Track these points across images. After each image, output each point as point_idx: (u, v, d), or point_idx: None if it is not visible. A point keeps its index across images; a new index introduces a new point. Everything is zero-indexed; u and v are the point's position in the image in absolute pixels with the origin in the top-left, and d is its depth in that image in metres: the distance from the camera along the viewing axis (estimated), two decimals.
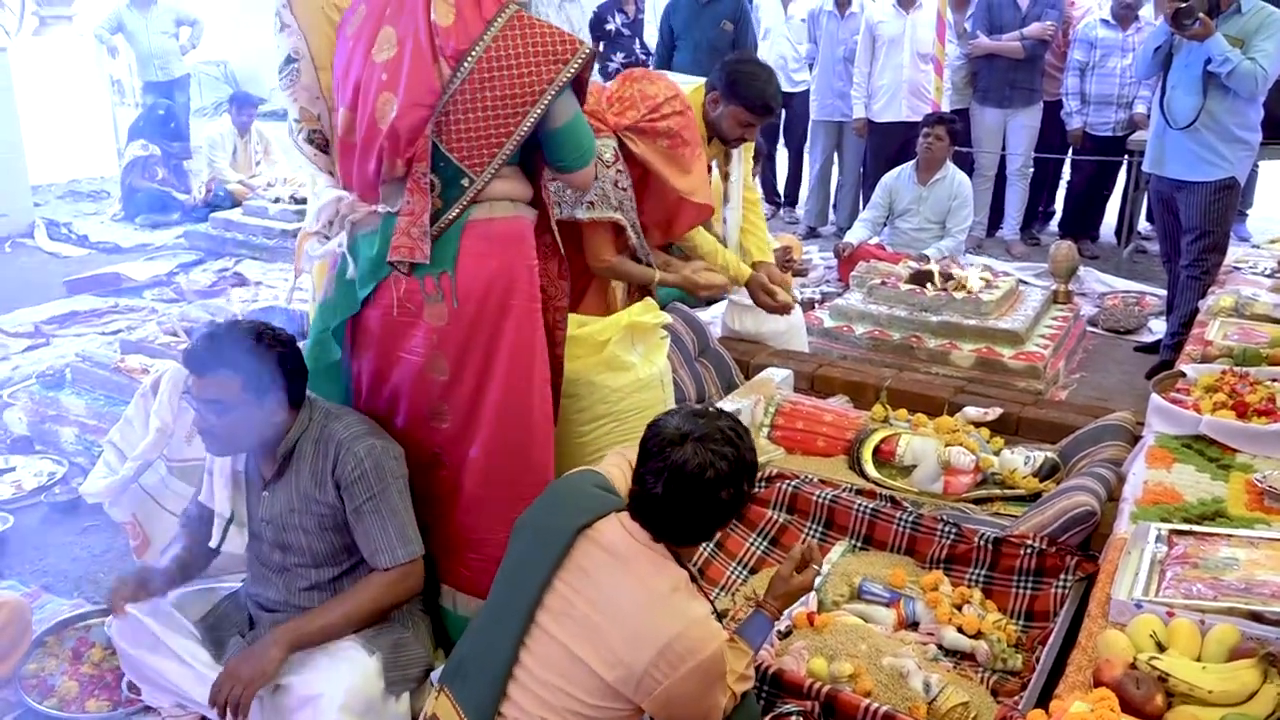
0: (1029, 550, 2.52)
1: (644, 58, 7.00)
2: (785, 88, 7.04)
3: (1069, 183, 6.88)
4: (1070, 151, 6.58)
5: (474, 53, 2.09)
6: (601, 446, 2.69)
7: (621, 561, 1.80)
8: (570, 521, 1.85)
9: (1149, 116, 5.85)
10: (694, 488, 1.75)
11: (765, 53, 6.93)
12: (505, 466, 2.29)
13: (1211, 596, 1.86)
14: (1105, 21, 6.13)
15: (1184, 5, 3.90)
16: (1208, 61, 3.95)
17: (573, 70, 2.13)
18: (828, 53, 6.69)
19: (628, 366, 2.71)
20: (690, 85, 3.45)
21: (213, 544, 2.20)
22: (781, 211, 7.67)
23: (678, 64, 6.24)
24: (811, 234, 7.06)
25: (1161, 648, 1.73)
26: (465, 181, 2.15)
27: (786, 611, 2.17)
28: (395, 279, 2.20)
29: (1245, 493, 2.36)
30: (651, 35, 7.10)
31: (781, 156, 8.04)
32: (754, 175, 5.57)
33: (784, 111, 7.26)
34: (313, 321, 2.42)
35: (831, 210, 7.19)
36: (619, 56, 6.73)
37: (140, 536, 2.74)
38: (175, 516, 2.54)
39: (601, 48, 6.69)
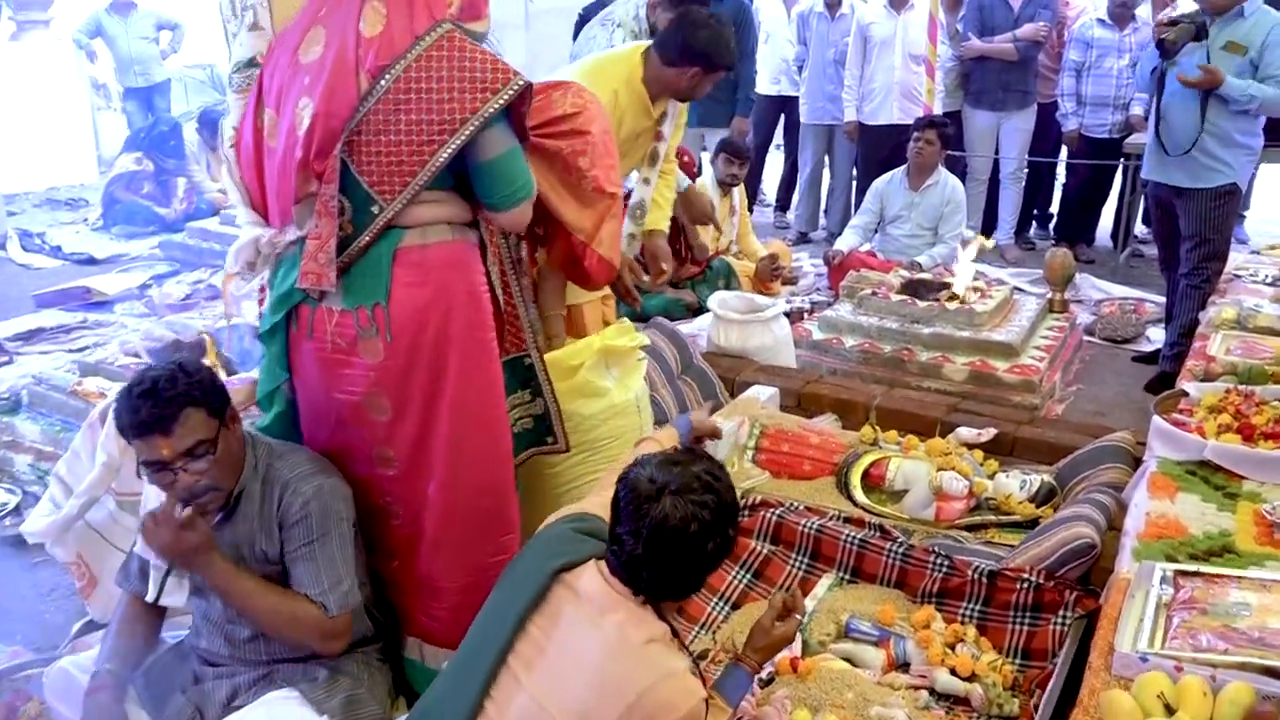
0: (1025, 585, 2.39)
1: None
2: (789, 91, 6.93)
3: (1064, 186, 6.74)
4: (1065, 154, 6.44)
5: (393, 70, 1.93)
6: (574, 478, 2.56)
7: (597, 610, 1.69)
8: (547, 564, 1.75)
9: (1146, 119, 5.74)
10: (677, 544, 1.64)
11: (767, 56, 6.80)
12: (464, 508, 2.15)
13: (1222, 649, 1.72)
14: (1101, 21, 5.99)
15: (1165, 36, 3.81)
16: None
17: (501, 102, 1.95)
18: (818, 55, 6.55)
19: (602, 392, 2.57)
20: (618, 51, 3.29)
21: (149, 598, 2.05)
22: (773, 217, 7.54)
23: None
24: (802, 239, 6.93)
25: (1170, 710, 1.59)
26: (375, 209, 2.00)
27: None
28: (328, 311, 2.06)
29: (1254, 525, 2.22)
30: None
31: (776, 160, 7.91)
32: (740, 180, 5.47)
33: (783, 116, 7.15)
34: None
35: (823, 215, 7.05)
36: None
37: (86, 576, 2.60)
38: (125, 554, 2.40)
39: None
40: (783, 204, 7.54)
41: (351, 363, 2.07)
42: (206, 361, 3.34)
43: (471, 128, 1.94)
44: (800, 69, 6.81)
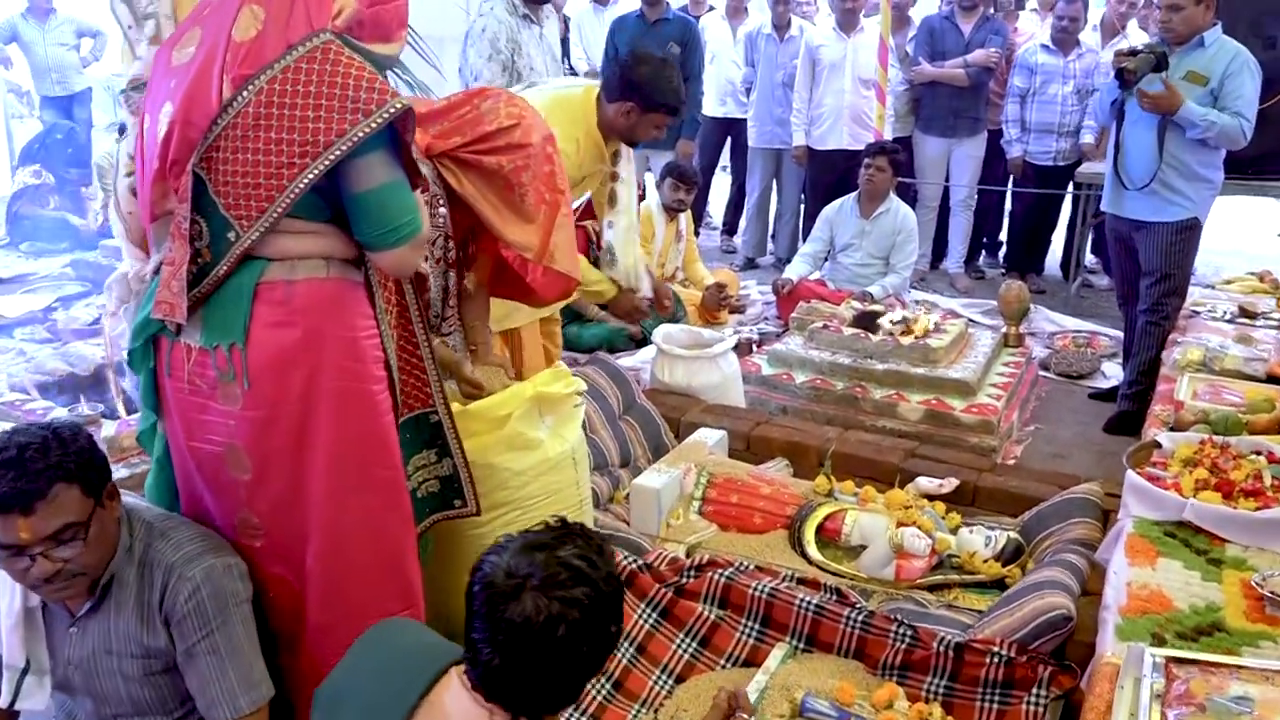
0: (995, 659, 2.20)
1: (571, 76, 6.66)
2: (735, 113, 6.77)
3: (1011, 214, 6.64)
4: (1011, 181, 6.33)
5: (257, 80, 1.68)
6: None
7: None
8: (405, 692, 1.45)
9: (1097, 147, 5.66)
10: (542, 651, 1.34)
11: (713, 76, 6.64)
12: (352, 585, 1.87)
13: None
14: (1046, 47, 5.89)
15: (1125, 65, 3.70)
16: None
17: (373, 125, 1.69)
18: (766, 77, 6.39)
19: (534, 445, 2.32)
20: (579, 87, 3.18)
21: (2, 703, 1.76)
22: (720, 241, 7.36)
23: None
24: (750, 265, 6.76)
25: None
26: (232, 235, 1.73)
27: None
28: (187, 348, 1.79)
29: (1243, 598, 2.04)
30: (579, 56, 6.76)
31: (722, 182, 7.74)
32: (687, 205, 5.28)
33: (730, 138, 6.98)
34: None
35: (770, 240, 6.89)
36: None
37: None
38: None
39: None
40: (729, 227, 7.37)
41: (210, 408, 1.79)
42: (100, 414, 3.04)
43: (337, 152, 1.68)
44: (748, 91, 6.65)
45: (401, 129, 1.75)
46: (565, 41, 6.63)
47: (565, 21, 6.74)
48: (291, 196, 1.70)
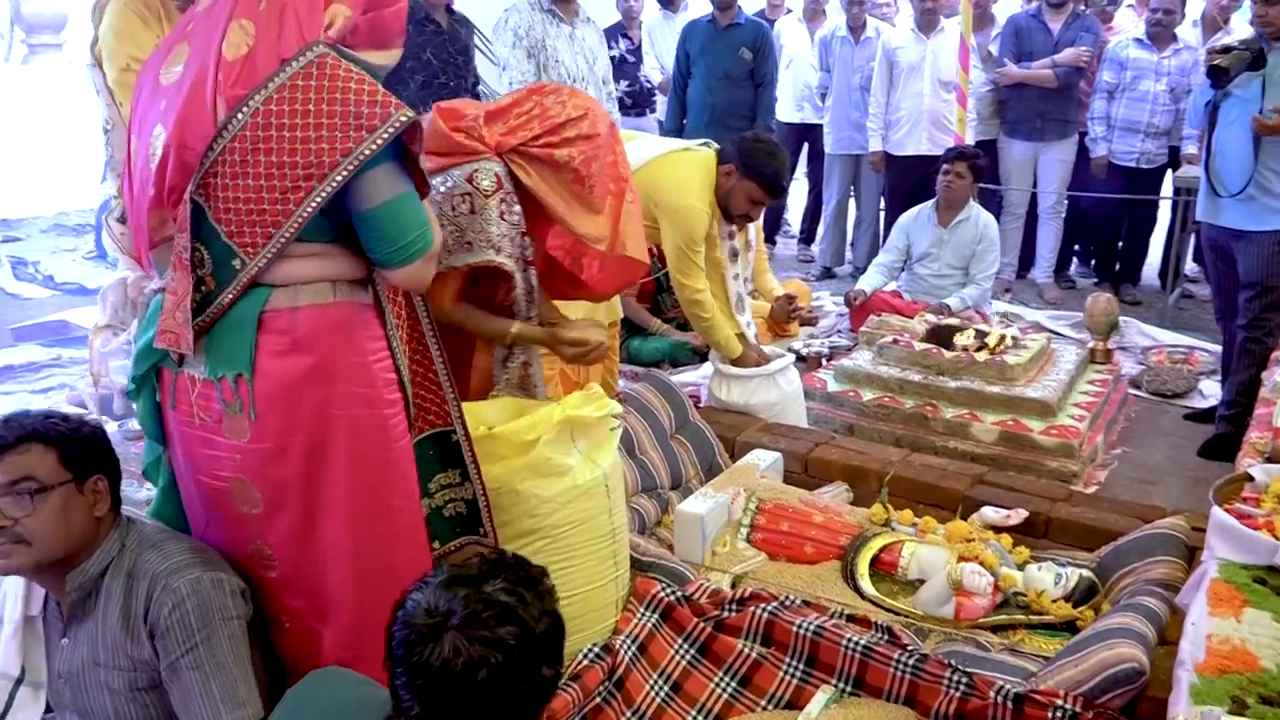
0: (1059, 713, 2.01)
1: (648, 86, 6.57)
2: (812, 119, 6.60)
3: (1095, 218, 6.21)
4: (1100, 183, 5.94)
5: (253, 100, 1.61)
6: None
7: None
8: None
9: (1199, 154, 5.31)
10: (464, 698, 1.20)
11: (788, 81, 6.48)
12: (368, 617, 1.78)
13: None
14: (1139, 41, 5.54)
15: (1218, 63, 3.43)
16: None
17: (379, 142, 1.62)
18: (843, 81, 6.19)
19: (563, 470, 2.21)
20: (703, 149, 3.43)
21: None
22: (797, 250, 7.18)
23: (691, 91, 5.81)
24: (827, 274, 6.56)
25: None
26: (236, 263, 1.67)
27: None
28: (191, 379, 1.74)
29: None
30: (651, 65, 6.66)
31: (799, 189, 7.55)
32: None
33: (806, 144, 6.81)
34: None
35: (849, 249, 6.68)
36: (623, 84, 6.29)
37: None
38: None
39: None
40: (807, 236, 7.17)
41: (215, 442, 1.75)
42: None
43: (344, 173, 1.62)
44: (824, 96, 6.46)
45: (408, 139, 1.69)
46: (638, 50, 6.55)
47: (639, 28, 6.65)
48: (299, 221, 1.65)
